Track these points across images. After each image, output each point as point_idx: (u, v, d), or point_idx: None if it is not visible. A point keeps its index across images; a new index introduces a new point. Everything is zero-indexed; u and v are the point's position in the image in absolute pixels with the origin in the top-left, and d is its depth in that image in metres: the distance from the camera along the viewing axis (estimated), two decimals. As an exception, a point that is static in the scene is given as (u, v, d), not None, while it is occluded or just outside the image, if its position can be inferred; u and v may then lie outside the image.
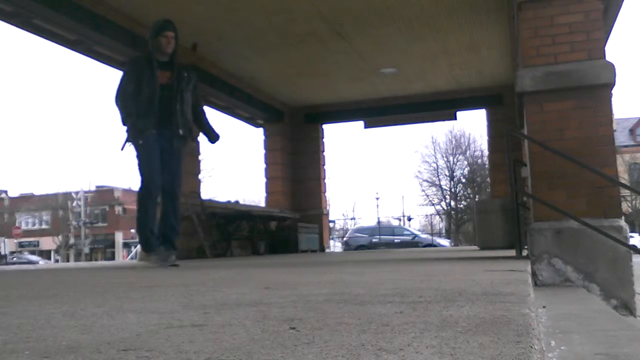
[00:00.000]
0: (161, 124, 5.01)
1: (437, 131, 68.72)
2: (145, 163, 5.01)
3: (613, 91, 4.21)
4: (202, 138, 5.61)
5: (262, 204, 14.64)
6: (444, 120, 14.06)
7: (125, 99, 4.99)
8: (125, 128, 5.03)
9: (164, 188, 5.08)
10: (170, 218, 5.13)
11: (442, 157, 42.87)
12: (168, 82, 5.03)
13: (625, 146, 45.03)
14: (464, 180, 42.36)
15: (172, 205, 5.17)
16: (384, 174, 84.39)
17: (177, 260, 5.16)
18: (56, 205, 48.95)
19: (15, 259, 40.75)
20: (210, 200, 10.21)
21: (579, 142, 4.09)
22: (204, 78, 9.61)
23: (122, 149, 5.16)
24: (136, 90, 4.96)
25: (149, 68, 5.00)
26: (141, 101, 4.95)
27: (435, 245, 21.28)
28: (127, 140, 5.04)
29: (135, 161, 5.09)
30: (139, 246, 12.74)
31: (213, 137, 5.42)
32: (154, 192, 5.02)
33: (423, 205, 46.05)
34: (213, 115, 12.88)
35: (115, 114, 5.26)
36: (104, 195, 51.62)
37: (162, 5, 7.54)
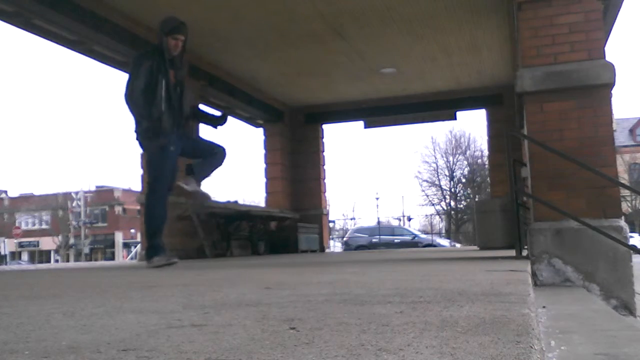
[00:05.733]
0: (175, 123, 5.00)
1: (437, 131, 68.81)
2: (160, 166, 4.93)
3: (613, 91, 4.21)
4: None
5: (262, 204, 14.64)
6: (444, 120, 14.04)
7: (137, 96, 4.83)
8: (137, 127, 4.91)
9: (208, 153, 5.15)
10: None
11: (442, 157, 42.92)
12: (174, 80, 5.01)
13: (625, 146, 45.03)
14: (464, 180, 42.37)
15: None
16: (384, 174, 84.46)
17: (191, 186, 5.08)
18: (56, 205, 48.94)
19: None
20: (210, 201, 10.20)
21: (579, 142, 4.09)
22: (204, 78, 9.62)
23: (144, 150, 5.12)
24: (148, 87, 4.84)
25: (163, 64, 4.91)
26: (156, 99, 4.86)
27: (435, 246, 21.28)
28: (143, 140, 4.95)
29: (147, 161, 5.04)
30: (139, 246, 12.73)
31: (217, 120, 5.41)
32: (164, 195, 4.97)
33: (423, 205, 46.14)
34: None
35: (123, 113, 5.24)
36: (104, 195, 51.62)
37: (162, 5, 7.54)
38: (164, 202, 5.01)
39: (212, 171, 5.25)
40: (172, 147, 4.95)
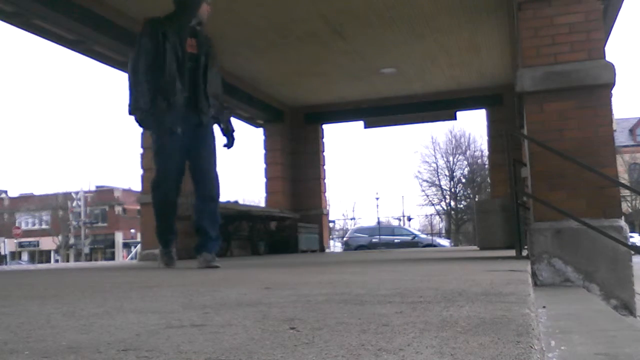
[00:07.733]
0: (187, 105, 4.23)
1: (437, 131, 68.83)
2: (163, 157, 4.28)
3: (613, 91, 4.21)
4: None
5: (262, 204, 14.63)
6: (444, 120, 14.06)
7: (144, 72, 4.14)
8: (137, 109, 4.15)
9: (199, 190, 4.34)
10: (203, 221, 4.34)
11: (442, 157, 42.92)
12: (194, 52, 4.31)
13: (625, 146, 45.04)
14: (464, 180, 42.37)
15: (208, 208, 4.35)
16: (384, 174, 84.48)
17: (214, 262, 4.37)
18: (56, 205, 48.95)
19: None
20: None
21: (579, 142, 4.09)
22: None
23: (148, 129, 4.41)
24: (157, 61, 4.17)
25: (177, 32, 4.24)
26: (165, 75, 4.14)
27: (435, 246, 21.28)
28: (143, 123, 4.24)
29: (153, 149, 4.37)
30: (139, 246, 12.72)
31: (230, 140, 4.53)
32: (168, 191, 4.35)
33: (423, 205, 46.09)
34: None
35: (122, 113, 4.80)
36: (104, 195, 51.62)
37: (162, 5, 7.53)
38: (171, 196, 4.36)
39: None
40: (180, 129, 4.20)
